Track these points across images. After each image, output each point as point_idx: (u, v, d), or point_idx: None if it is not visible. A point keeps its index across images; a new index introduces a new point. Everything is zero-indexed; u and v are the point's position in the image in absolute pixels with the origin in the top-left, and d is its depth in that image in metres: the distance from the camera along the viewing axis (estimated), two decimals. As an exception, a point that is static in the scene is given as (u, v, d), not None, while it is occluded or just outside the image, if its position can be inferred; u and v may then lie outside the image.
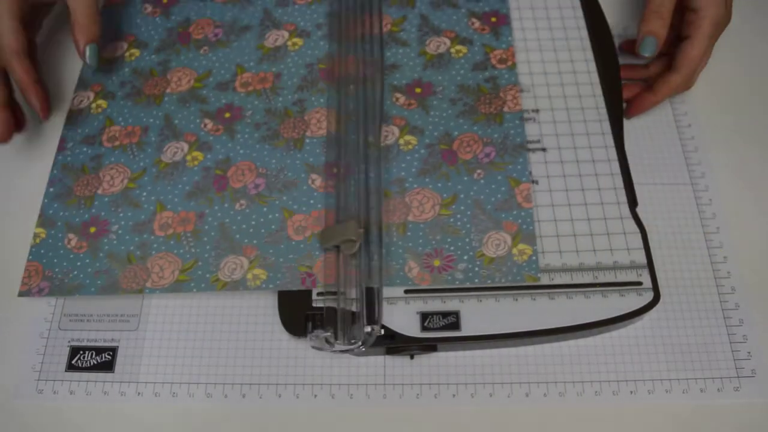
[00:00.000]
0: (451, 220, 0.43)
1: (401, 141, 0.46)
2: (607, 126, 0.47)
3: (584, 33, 0.51)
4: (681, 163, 0.48)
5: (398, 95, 0.48)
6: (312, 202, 0.44)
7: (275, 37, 0.51)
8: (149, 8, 0.53)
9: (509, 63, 0.49)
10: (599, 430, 0.40)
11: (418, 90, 0.48)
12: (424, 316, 0.41)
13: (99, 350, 0.42)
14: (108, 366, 0.42)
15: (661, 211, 0.46)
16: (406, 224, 0.43)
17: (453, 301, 0.41)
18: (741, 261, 0.44)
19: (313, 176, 0.45)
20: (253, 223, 0.43)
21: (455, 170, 0.45)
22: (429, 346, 0.40)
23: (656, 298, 0.41)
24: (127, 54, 0.51)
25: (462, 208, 0.43)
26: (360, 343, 0.39)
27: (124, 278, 0.42)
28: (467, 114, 0.47)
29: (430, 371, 0.41)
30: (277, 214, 0.43)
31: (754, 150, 0.49)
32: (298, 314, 0.41)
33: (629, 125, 0.49)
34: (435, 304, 0.41)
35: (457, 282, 0.41)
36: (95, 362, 0.42)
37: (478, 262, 0.42)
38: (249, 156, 0.46)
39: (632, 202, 0.44)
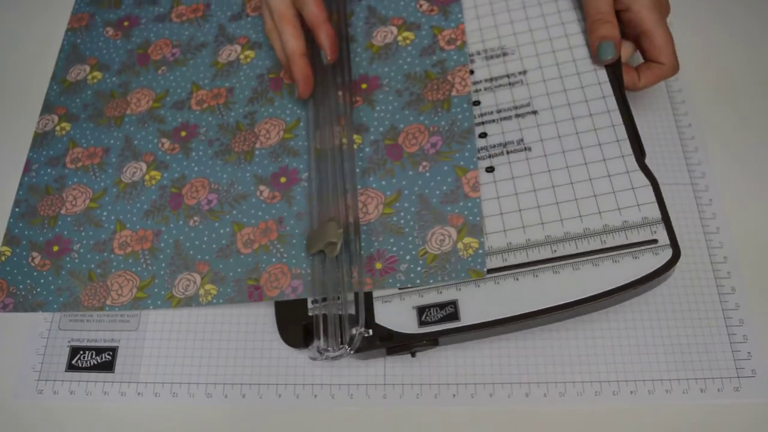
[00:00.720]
0: (395, 218, 0.42)
1: (345, 140, 0.45)
2: (603, 74, 0.44)
3: None
4: (681, 163, 0.48)
5: (341, 93, 0.46)
6: (260, 213, 0.44)
7: (228, 52, 0.51)
8: (111, 31, 0.54)
9: (458, 42, 0.47)
10: (599, 430, 0.40)
11: (363, 86, 0.47)
12: (421, 311, 0.39)
13: (99, 350, 0.42)
14: (108, 366, 0.42)
15: (661, 211, 0.46)
16: (349, 227, 0.42)
17: (449, 290, 0.39)
18: (741, 261, 0.44)
19: (261, 188, 0.45)
20: (205, 239, 0.44)
21: (400, 165, 0.43)
22: (430, 341, 0.39)
23: (676, 255, 0.37)
24: (89, 77, 0.51)
25: (406, 204, 0.42)
26: (347, 346, 0.38)
27: (85, 295, 0.43)
28: (413, 104, 0.45)
29: (430, 371, 0.41)
30: (227, 229, 0.44)
31: (754, 150, 0.48)
32: (296, 325, 0.40)
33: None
34: (431, 297, 0.39)
35: (398, 285, 0.40)
36: (95, 362, 0.42)
37: (420, 261, 0.40)
38: (203, 173, 0.46)
39: (639, 153, 0.40)
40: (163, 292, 0.42)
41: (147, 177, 0.46)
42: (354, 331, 0.38)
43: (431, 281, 0.39)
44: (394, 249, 0.41)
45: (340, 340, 0.38)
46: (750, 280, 0.43)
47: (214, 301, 0.41)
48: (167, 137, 0.48)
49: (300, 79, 0.44)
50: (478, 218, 0.41)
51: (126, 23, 0.54)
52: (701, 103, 0.50)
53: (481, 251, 0.40)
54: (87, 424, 0.40)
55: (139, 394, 0.41)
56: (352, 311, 0.39)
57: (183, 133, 0.48)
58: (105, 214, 0.45)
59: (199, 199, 0.45)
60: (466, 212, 0.41)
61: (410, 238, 0.41)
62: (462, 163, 0.43)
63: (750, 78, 0.51)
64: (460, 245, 0.40)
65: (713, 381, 0.41)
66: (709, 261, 0.44)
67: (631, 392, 0.40)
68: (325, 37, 0.44)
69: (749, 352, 0.41)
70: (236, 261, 0.42)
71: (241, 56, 0.50)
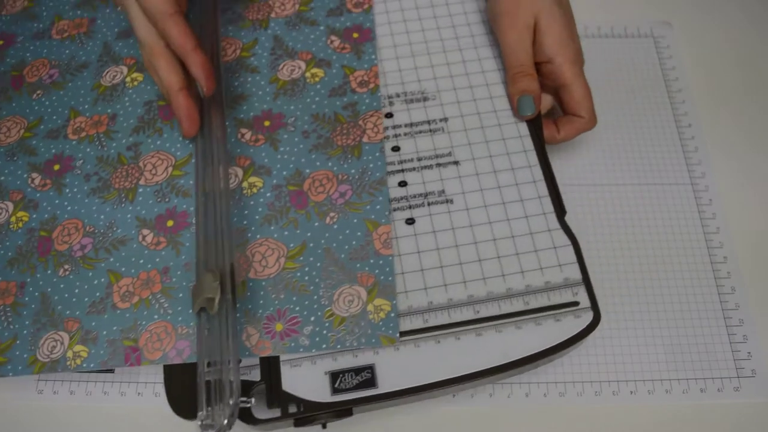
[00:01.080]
0: (298, 274, 0.38)
1: (245, 184, 0.41)
2: (524, 128, 0.42)
3: (490, 27, 0.46)
4: (681, 163, 0.47)
5: (244, 130, 0.43)
6: (141, 262, 0.39)
7: (113, 74, 0.45)
8: None
9: (371, 86, 0.44)
10: (599, 430, 0.40)
11: (266, 123, 0.43)
12: (334, 376, 0.36)
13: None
14: (108, 366, 0.42)
15: (661, 211, 0.46)
16: (246, 282, 0.38)
17: (366, 353, 0.36)
18: (741, 261, 0.44)
19: (144, 232, 0.40)
20: (77, 291, 0.38)
21: (305, 215, 0.40)
22: (343, 411, 0.35)
23: (596, 318, 0.37)
24: None
25: (311, 259, 0.38)
26: (225, 420, 0.32)
27: None
28: (321, 147, 0.42)
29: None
30: (102, 279, 0.38)
31: (754, 150, 0.49)
32: (188, 392, 0.35)
33: (629, 123, 0.49)
34: (346, 361, 0.36)
35: (301, 349, 0.36)
36: (95, 362, 0.42)
37: (326, 324, 0.37)
38: (77, 213, 0.41)
39: (560, 210, 0.40)
40: (25, 356, 0.37)
41: (13, 219, 0.41)
42: (231, 401, 0.33)
43: (338, 347, 0.36)
44: (297, 309, 0.37)
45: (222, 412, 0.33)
46: (750, 280, 0.44)
47: (84, 365, 0.36)
48: (38, 171, 0.42)
49: (182, 116, 0.40)
50: (390, 278, 0.38)
51: (1, 42, 0.48)
52: (701, 103, 0.50)
53: (393, 314, 0.37)
54: (87, 424, 0.40)
55: (139, 394, 0.41)
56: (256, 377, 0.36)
57: (56, 167, 0.42)
58: None
59: (71, 244, 0.40)
60: (377, 271, 0.38)
61: (315, 297, 0.37)
62: (373, 216, 0.40)
63: (750, 79, 0.51)
64: (370, 307, 0.37)
65: (713, 381, 0.41)
66: (709, 261, 0.44)
67: (631, 392, 0.40)
68: (195, 65, 0.39)
69: (749, 352, 0.41)
70: (111, 317, 0.37)
71: (128, 79, 0.45)
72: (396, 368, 0.36)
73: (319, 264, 0.38)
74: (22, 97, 0.45)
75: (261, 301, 0.38)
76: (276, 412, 0.35)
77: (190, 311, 0.37)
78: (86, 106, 0.44)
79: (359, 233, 0.39)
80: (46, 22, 0.48)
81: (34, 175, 0.42)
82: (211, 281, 0.35)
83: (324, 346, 0.36)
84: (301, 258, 0.39)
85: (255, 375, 0.36)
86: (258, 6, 0.47)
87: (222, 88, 0.42)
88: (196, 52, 0.39)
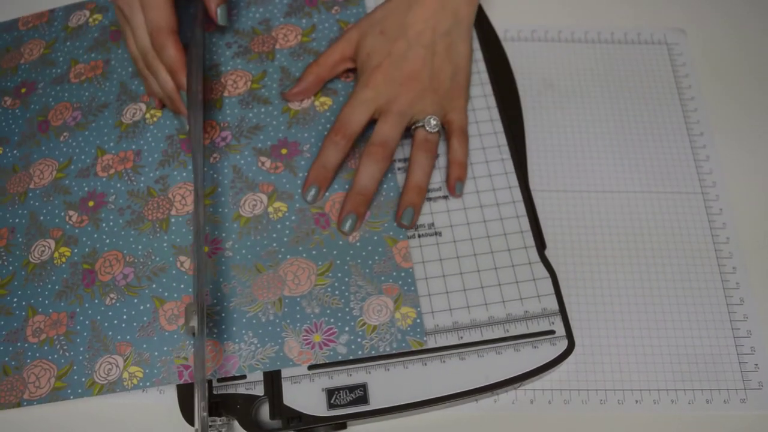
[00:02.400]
0: (329, 289, 0.41)
1: (270, 209, 0.43)
2: (510, 165, 0.45)
3: (482, 66, 0.48)
4: (692, 171, 0.47)
5: (263, 159, 0.45)
6: (182, 286, 0.41)
7: (133, 111, 0.47)
8: (8, 101, 0.50)
9: None
10: (602, 439, 0.40)
11: (284, 151, 0.45)
12: (330, 393, 0.39)
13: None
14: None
15: (671, 219, 0.45)
16: (282, 299, 0.41)
17: (359, 372, 0.39)
18: (751, 271, 0.44)
19: (182, 258, 0.42)
20: (125, 317, 0.41)
21: (329, 235, 0.42)
22: (338, 425, 0.38)
23: (571, 346, 0.39)
24: None
25: (339, 275, 0.41)
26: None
27: (1, 392, 0.40)
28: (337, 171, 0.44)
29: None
30: (147, 305, 0.41)
31: (766, 159, 0.48)
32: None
33: (640, 131, 0.49)
34: (341, 379, 0.39)
35: (340, 357, 0.39)
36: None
37: (359, 332, 0.40)
38: (115, 245, 0.43)
39: (540, 244, 0.42)
40: (83, 379, 0.40)
41: (56, 255, 0.43)
42: (221, 420, 0.38)
43: (373, 352, 0.39)
44: (332, 321, 0.40)
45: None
46: (759, 290, 0.43)
47: (141, 384, 0.39)
48: (74, 209, 0.44)
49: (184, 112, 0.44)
50: (413, 288, 0.41)
51: (23, 90, 0.50)
52: (714, 112, 0.49)
53: (419, 320, 0.40)
54: (88, 424, 0.40)
55: (143, 391, 0.41)
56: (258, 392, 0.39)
57: (90, 203, 0.45)
58: (15, 300, 0.42)
59: (113, 274, 0.42)
60: (400, 282, 0.41)
61: (347, 309, 0.40)
62: (391, 233, 0.42)
63: (764, 88, 0.51)
64: (398, 315, 0.40)
65: (719, 392, 0.40)
66: (718, 271, 0.44)
67: (636, 401, 0.40)
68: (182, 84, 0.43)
69: (756, 364, 0.41)
70: (161, 339, 0.40)
71: (147, 115, 0.47)
72: (386, 387, 0.39)
73: (347, 279, 0.41)
74: (50, 140, 0.47)
75: (298, 316, 0.40)
76: (278, 424, 0.38)
77: (234, 329, 0.40)
78: (111, 144, 0.46)
79: (380, 249, 0.42)
80: (63, 66, 0.50)
81: (71, 212, 0.44)
82: (191, 309, 0.38)
83: (360, 352, 0.39)
84: (330, 274, 0.41)
85: (259, 390, 0.39)
86: (263, 38, 0.49)
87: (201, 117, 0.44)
88: (184, 72, 0.43)
